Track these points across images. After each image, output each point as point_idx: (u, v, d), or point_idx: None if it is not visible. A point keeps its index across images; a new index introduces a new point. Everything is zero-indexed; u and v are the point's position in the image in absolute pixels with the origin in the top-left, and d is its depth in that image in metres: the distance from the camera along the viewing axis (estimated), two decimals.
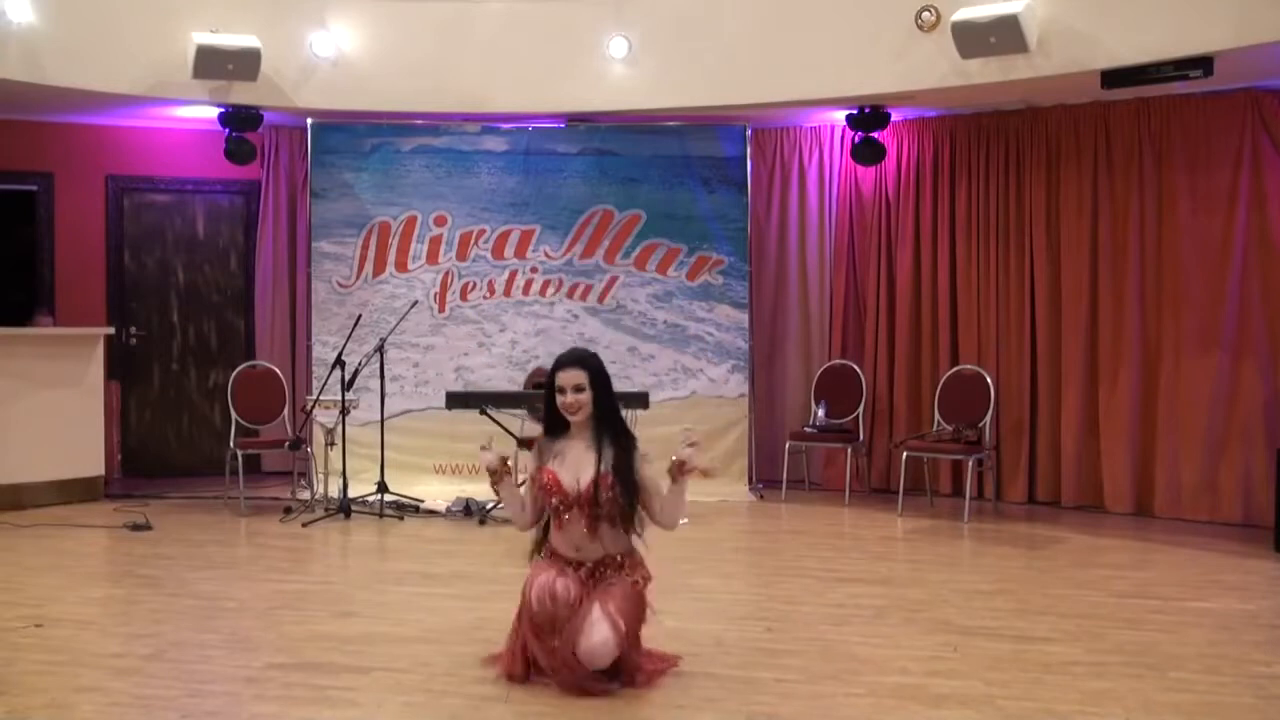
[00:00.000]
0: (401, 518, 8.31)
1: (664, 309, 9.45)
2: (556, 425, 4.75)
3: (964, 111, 9.15)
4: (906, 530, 8.12)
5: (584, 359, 4.75)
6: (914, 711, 4.31)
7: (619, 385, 9.33)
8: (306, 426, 8.86)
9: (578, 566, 4.64)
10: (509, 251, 9.44)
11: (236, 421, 8.98)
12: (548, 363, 9.19)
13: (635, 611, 4.58)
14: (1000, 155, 9.11)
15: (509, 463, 4.82)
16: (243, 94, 8.79)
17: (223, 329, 10.31)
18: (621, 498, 4.59)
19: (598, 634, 4.42)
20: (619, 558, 4.68)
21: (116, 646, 5.11)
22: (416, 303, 9.04)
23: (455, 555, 7.21)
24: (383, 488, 8.41)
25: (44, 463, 8.62)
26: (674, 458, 4.59)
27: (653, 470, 4.70)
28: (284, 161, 10.02)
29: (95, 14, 8.40)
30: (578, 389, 4.64)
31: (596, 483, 4.58)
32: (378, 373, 8.42)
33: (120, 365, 9.94)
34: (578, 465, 4.65)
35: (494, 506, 8.36)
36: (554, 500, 4.63)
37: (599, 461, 4.61)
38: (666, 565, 6.63)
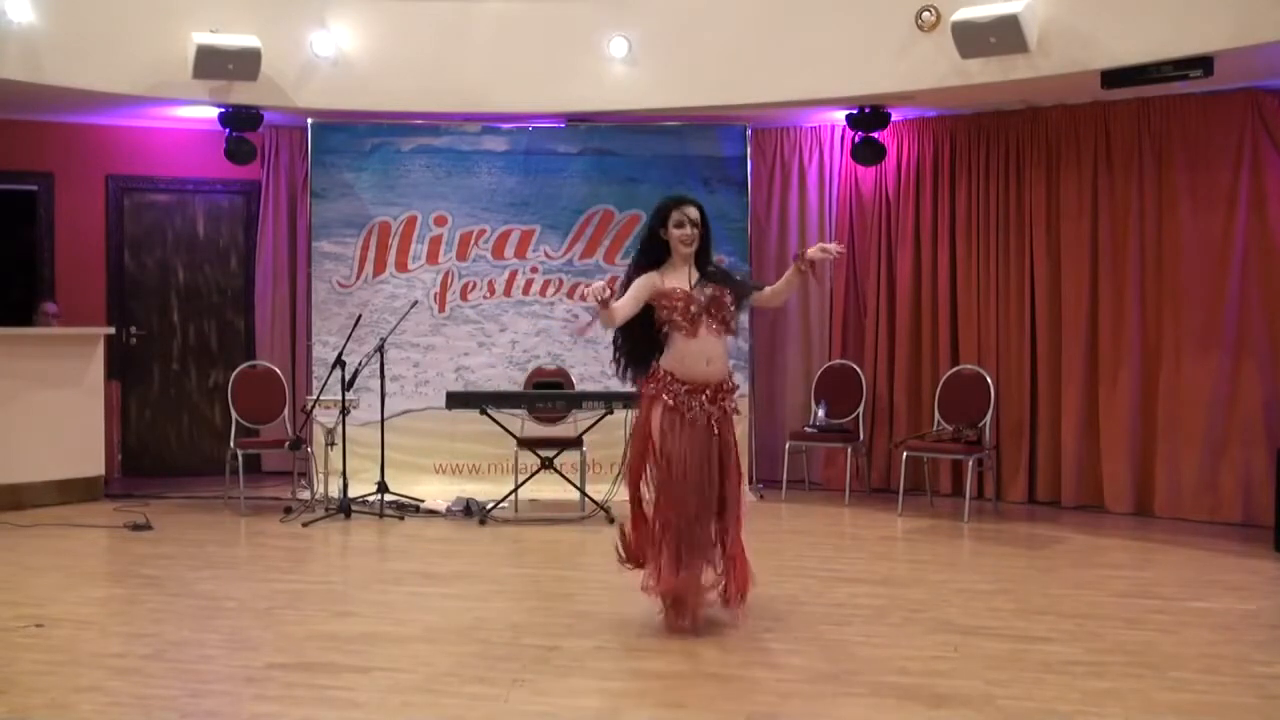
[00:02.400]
0: (402, 518, 8.30)
1: None
2: (655, 260, 5.31)
3: (964, 111, 9.15)
4: (906, 530, 8.12)
5: (695, 200, 5.36)
6: (914, 711, 4.32)
7: (618, 385, 9.33)
8: (307, 426, 8.86)
9: (701, 388, 5.19)
10: (509, 251, 9.44)
11: (237, 421, 8.98)
12: (548, 362, 9.31)
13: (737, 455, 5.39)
14: (1000, 155, 9.10)
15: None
16: (243, 94, 8.79)
17: (223, 329, 10.31)
18: (734, 300, 5.26)
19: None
20: (732, 380, 5.37)
21: (117, 646, 5.11)
22: (416, 303, 9.04)
23: (455, 555, 7.21)
24: (383, 488, 8.40)
25: (44, 462, 8.61)
26: (807, 251, 5.14)
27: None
28: (284, 161, 10.02)
29: (95, 14, 8.40)
30: (695, 223, 5.25)
31: (718, 294, 5.22)
32: (378, 372, 8.42)
33: (120, 365, 9.94)
34: (693, 286, 5.24)
35: (494, 506, 8.36)
36: (691, 309, 5.17)
37: (709, 281, 5.25)
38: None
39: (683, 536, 5.15)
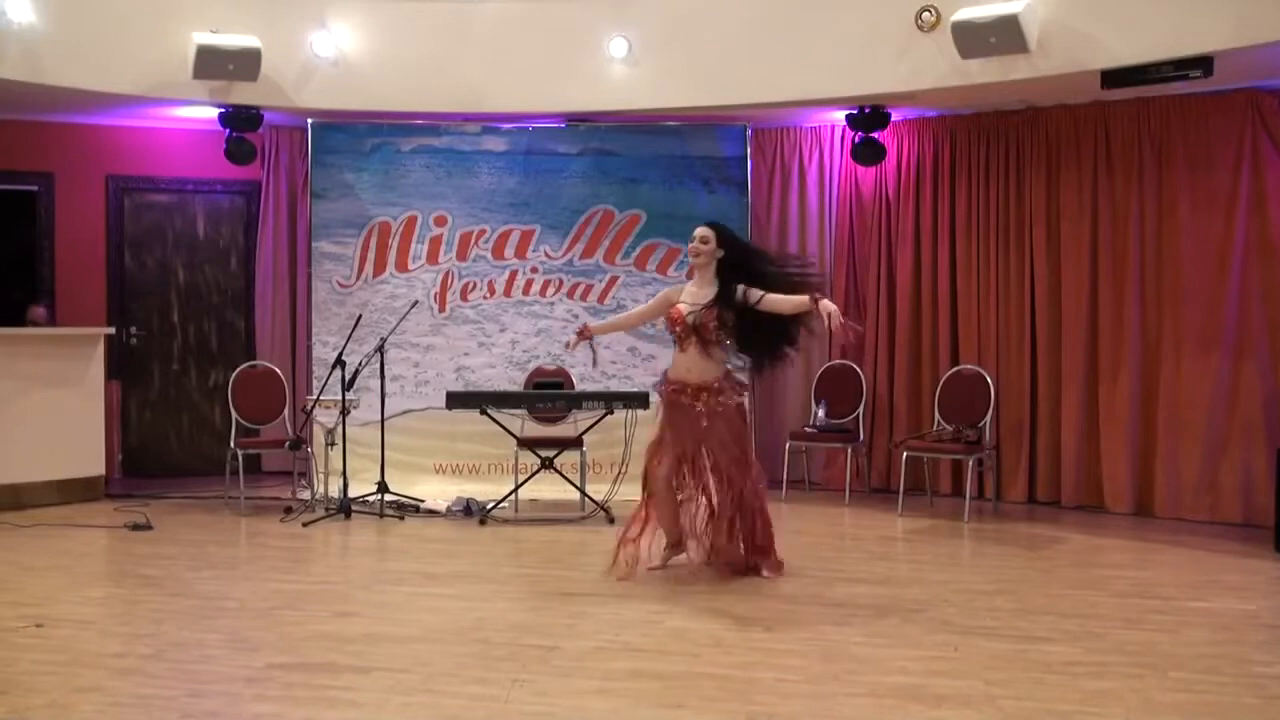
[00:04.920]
0: (402, 518, 8.30)
1: None
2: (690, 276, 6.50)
3: (964, 111, 9.15)
4: (907, 530, 8.12)
5: (715, 223, 6.52)
6: (914, 711, 4.32)
7: (618, 385, 9.34)
8: (307, 426, 8.86)
9: (683, 389, 6.28)
10: (509, 251, 9.44)
11: (237, 421, 8.98)
12: (548, 362, 9.31)
13: (737, 440, 6.35)
14: (1000, 155, 9.10)
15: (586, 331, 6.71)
16: (243, 94, 8.79)
17: (223, 329, 10.31)
18: (716, 324, 6.20)
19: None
20: (716, 383, 6.28)
21: (117, 646, 5.11)
22: (417, 303, 9.03)
23: (455, 555, 7.21)
24: (383, 488, 8.40)
25: (45, 462, 8.62)
26: (825, 306, 5.93)
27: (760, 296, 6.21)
28: (284, 161, 10.02)
29: (96, 14, 8.40)
30: (703, 240, 6.34)
31: (702, 315, 6.22)
32: (378, 372, 8.42)
33: (121, 365, 9.94)
34: (695, 304, 6.28)
35: (494, 506, 8.36)
36: (677, 329, 6.30)
37: (711, 304, 6.23)
38: (667, 565, 6.65)
39: (654, 484, 6.38)
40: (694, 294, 6.36)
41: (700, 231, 6.40)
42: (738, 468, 6.33)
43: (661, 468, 6.36)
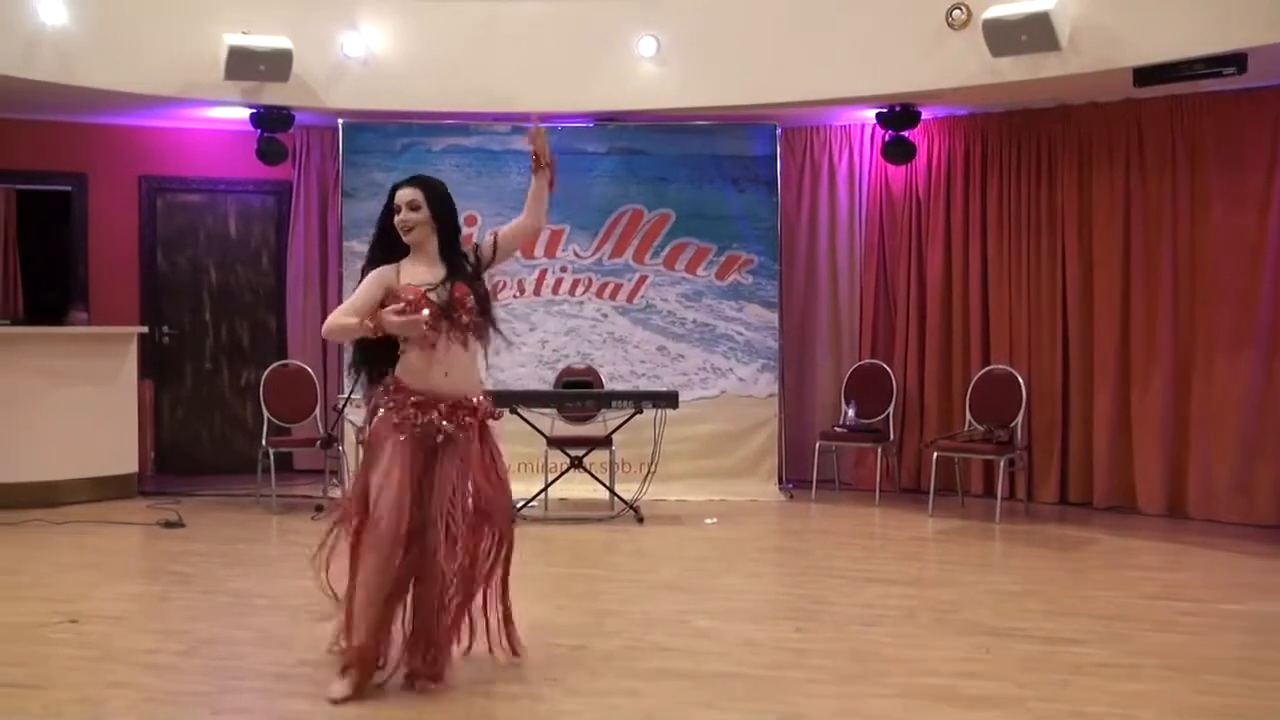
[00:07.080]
0: None
1: (694, 308, 9.44)
2: (391, 250, 4.56)
3: (995, 109, 9.10)
4: (937, 531, 8.09)
5: (423, 179, 4.63)
6: (945, 713, 4.30)
7: (649, 385, 9.32)
8: (338, 425, 8.89)
9: (435, 404, 4.44)
10: (539, 251, 9.45)
11: (268, 420, 9.02)
12: (578, 362, 9.32)
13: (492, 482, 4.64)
14: (1031, 154, 9.05)
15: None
16: (274, 94, 8.84)
17: (255, 328, 10.37)
18: (477, 310, 4.51)
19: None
20: (475, 400, 4.56)
21: (149, 643, 5.15)
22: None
23: None
24: None
25: (78, 460, 8.68)
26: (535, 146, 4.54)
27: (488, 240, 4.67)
28: (315, 161, 10.08)
29: (128, 16, 8.47)
30: (411, 205, 4.50)
31: (457, 295, 4.45)
32: None
33: (153, 364, 10.01)
34: (433, 282, 4.47)
35: (524, 505, 8.35)
36: (426, 314, 4.34)
37: (455, 277, 4.49)
38: (696, 565, 6.65)
39: (374, 578, 4.40)
40: (423, 274, 4.50)
41: (407, 195, 4.52)
42: (473, 527, 4.56)
43: (388, 525, 4.36)
